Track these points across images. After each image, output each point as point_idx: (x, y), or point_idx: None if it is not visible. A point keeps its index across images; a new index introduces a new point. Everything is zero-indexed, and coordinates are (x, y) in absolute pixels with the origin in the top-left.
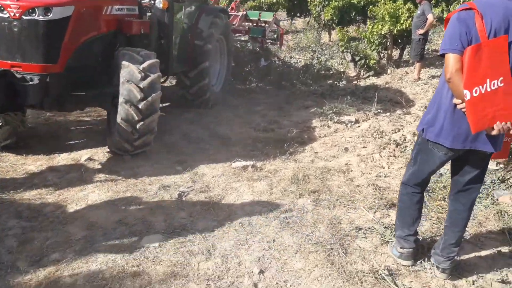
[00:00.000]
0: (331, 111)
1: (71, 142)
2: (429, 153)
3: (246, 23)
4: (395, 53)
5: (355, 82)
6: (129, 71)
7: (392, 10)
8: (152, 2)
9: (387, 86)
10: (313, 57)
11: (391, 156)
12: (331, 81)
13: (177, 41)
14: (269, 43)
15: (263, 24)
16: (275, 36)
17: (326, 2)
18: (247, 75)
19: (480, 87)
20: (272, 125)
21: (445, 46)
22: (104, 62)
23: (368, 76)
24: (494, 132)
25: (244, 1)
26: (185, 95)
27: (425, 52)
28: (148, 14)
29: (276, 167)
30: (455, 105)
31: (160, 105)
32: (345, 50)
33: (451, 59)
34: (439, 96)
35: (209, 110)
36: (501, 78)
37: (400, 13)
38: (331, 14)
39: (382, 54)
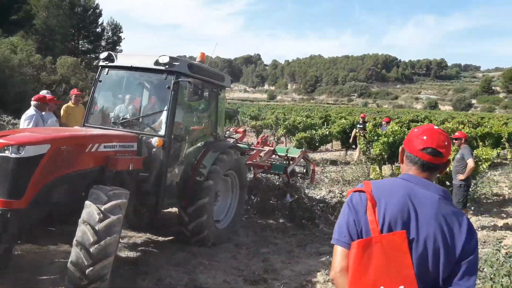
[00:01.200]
0: None
1: (43, 277)
2: None
3: (275, 156)
4: None
5: None
6: (88, 211)
7: None
8: (151, 139)
9: None
10: (343, 194)
11: None
12: None
13: (176, 176)
14: (299, 177)
15: (290, 161)
16: (305, 171)
17: (375, 137)
18: (270, 210)
19: None
20: (269, 274)
21: (333, 235)
22: (83, 198)
23: None
24: None
25: (294, 133)
26: (183, 231)
27: (468, 199)
28: (154, 149)
29: None
30: None
31: (163, 239)
32: None
33: (337, 254)
34: None
35: (207, 249)
36: (402, 287)
37: None
38: (380, 149)
39: None
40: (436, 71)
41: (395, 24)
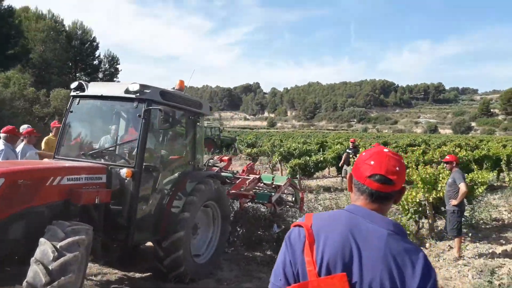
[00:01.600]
0: None
1: None
2: None
3: (262, 185)
4: (441, 223)
5: None
6: (43, 249)
7: (428, 176)
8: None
9: None
10: None
11: None
12: None
13: (150, 208)
14: (288, 207)
15: (274, 189)
16: (294, 199)
17: None
18: (257, 242)
19: None
20: None
21: (270, 278)
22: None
23: None
24: None
25: (289, 160)
26: (159, 267)
27: (462, 226)
28: (125, 181)
29: None
30: None
31: (140, 275)
32: None
33: None
34: None
35: (184, 286)
36: None
37: (441, 178)
38: None
39: (421, 224)
40: (434, 95)
41: (391, 51)
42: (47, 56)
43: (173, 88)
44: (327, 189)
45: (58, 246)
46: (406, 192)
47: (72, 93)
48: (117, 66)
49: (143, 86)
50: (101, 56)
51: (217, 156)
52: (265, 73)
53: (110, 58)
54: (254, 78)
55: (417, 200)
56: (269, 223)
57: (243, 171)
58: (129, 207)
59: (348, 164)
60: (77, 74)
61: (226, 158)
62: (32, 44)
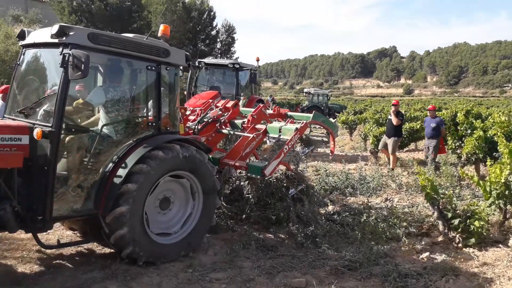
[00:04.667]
0: None
1: None
2: None
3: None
4: None
5: (426, 254)
6: None
7: None
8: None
9: (476, 270)
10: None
11: None
12: (394, 244)
13: (81, 176)
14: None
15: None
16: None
17: (469, 131)
18: (274, 220)
19: None
20: None
21: None
22: None
23: (466, 246)
24: None
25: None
26: (108, 245)
27: None
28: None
29: None
30: None
31: (100, 251)
32: (430, 201)
33: None
34: None
35: (133, 269)
36: None
37: None
38: (472, 146)
39: (509, 213)
40: None
41: None
42: None
43: (158, 36)
44: (422, 163)
45: None
46: (489, 169)
47: (20, 43)
48: (233, 35)
49: (64, 27)
50: (219, 26)
51: (222, 102)
52: (403, 36)
53: (227, 27)
54: (390, 42)
55: (502, 180)
56: (284, 188)
57: (249, 121)
58: (45, 175)
59: (396, 136)
60: (198, 45)
61: (229, 105)
62: (154, 17)
